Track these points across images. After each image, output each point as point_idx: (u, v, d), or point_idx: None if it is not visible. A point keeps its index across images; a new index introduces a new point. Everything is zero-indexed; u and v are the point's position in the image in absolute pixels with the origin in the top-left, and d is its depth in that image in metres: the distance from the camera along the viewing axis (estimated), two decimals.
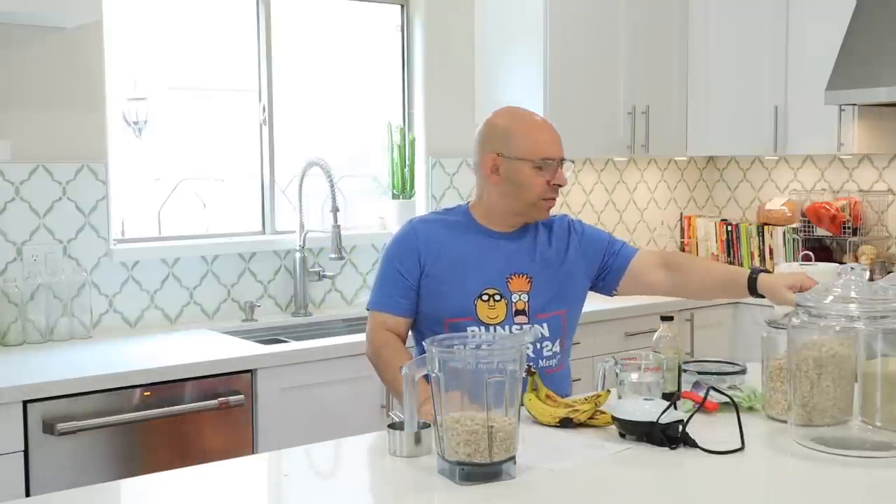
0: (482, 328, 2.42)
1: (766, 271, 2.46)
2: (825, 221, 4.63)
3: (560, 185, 2.47)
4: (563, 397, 2.30)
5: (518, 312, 2.46)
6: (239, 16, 3.96)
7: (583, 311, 2.46)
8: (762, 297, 2.44)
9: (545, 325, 2.48)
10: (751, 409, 2.25)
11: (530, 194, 2.45)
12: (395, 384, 2.35)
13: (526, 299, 2.46)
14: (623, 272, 2.59)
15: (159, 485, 1.92)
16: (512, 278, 2.47)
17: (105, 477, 2.67)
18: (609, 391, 2.26)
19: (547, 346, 2.48)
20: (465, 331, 2.34)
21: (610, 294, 2.64)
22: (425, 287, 2.47)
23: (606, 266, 2.59)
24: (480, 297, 2.44)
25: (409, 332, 2.55)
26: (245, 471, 2.08)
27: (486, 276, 2.46)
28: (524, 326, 2.44)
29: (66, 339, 3.33)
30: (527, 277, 2.48)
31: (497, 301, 2.44)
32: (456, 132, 4.29)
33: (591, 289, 2.63)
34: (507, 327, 2.43)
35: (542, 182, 2.44)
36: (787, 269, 3.16)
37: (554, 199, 2.50)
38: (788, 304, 2.26)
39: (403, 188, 4.11)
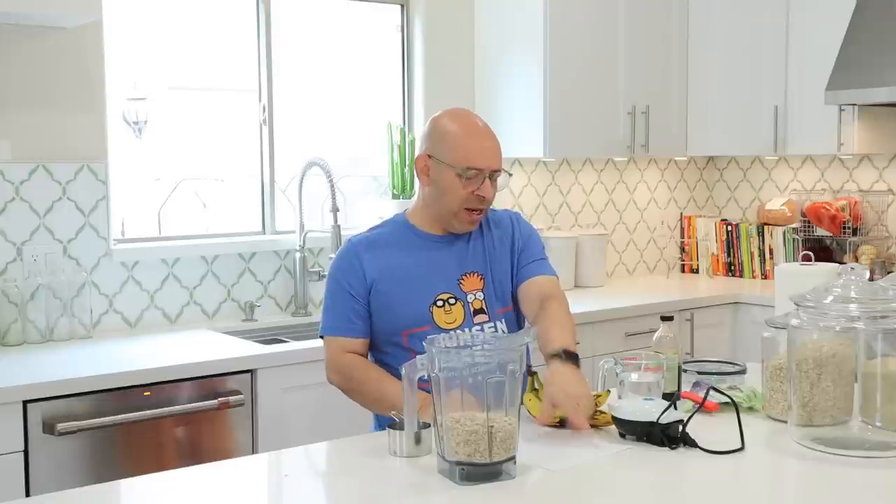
0: (442, 335, 2.36)
1: (570, 360, 2.20)
2: (825, 221, 4.63)
3: (484, 197, 2.36)
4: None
5: (477, 311, 2.41)
6: (239, 16, 3.96)
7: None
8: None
9: (503, 320, 2.45)
10: (751, 409, 2.25)
11: (451, 203, 2.37)
12: (382, 400, 2.30)
13: (482, 297, 2.42)
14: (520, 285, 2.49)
15: (159, 485, 1.92)
16: (464, 279, 2.43)
17: (105, 477, 2.67)
18: (609, 391, 2.26)
19: None
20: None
21: None
22: (375, 303, 2.40)
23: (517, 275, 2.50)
24: (435, 303, 2.39)
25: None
26: (245, 471, 2.09)
27: (437, 281, 2.40)
28: (485, 326, 2.40)
29: (66, 339, 3.33)
30: (479, 275, 2.44)
31: (452, 305, 2.39)
32: None
33: None
34: (466, 329, 2.36)
35: (466, 192, 2.35)
36: (787, 268, 3.15)
37: (479, 210, 2.39)
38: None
39: (403, 188, 4.11)
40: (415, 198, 2.57)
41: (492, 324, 2.42)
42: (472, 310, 2.41)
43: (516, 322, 2.48)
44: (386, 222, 2.54)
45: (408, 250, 2.43)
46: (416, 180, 2.52)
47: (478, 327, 2.39)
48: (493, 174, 2.37)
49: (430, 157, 2.39)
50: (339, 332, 2.41)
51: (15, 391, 2.68)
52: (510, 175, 2.47)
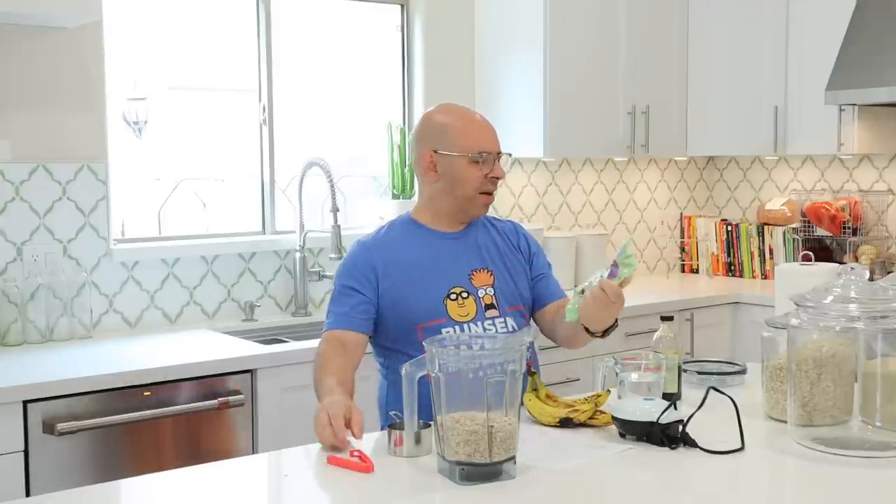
0: (456, 328, 2.38)
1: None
2: (825, 221, 4.62)
3: (497, 178, 2.45)
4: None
5: (488, 307, 2.44)
6: (239, 16, 3.97)
7: None
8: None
9: (513, 317, 2.47)
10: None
11: (467, 188, 2.44)
12: (316, 374, 2.30)
13: (492, 293, 2.45)
14: (544, 305, 2.56)
15: (159, 485, 1.92)
16: (474, 274, 2.46)
17: (105, 477, 2.67)
18: (609, 391, 2.26)
19: None
20: (440, 333, 2.32)
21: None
22: (387, 298, 2.40)
23: (533, 289, 2.57)
24: (448, 296, 2.41)
25: (371, 348, 2.48)
26: (245, 471, 2.09)
27: (450, 275, 2.43)
28: (496, 320, 2.43)
29: (66, 339, 3.33)
30: (488, 272, 2.47)
31: (465, 298, 2.42)
32: None
33: None
34: (479, 323, 2.40)
35: (479, 175, 2.43)
36: (787, 268, 3.15)
37: (491, 192, 2.48)
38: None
39: (403, 188, 4.11)
40: (416, 199, 2.60)
41: (502, 319, 2.44)
42: (483, 304, 2.43)
43: (523, 323, 2.52)
44: (391, 223, 2.56)
45: (418, 246, 2.47)
46: (416, 180, 2.54)
47: (489, 322, 2.42)
48: (499, 156, 2.47)
49: (435, 152, 2.44)
50: (337, 325, 2.40)
51: (15, 391, 2.68)
52: (510, 155, 2.53)
